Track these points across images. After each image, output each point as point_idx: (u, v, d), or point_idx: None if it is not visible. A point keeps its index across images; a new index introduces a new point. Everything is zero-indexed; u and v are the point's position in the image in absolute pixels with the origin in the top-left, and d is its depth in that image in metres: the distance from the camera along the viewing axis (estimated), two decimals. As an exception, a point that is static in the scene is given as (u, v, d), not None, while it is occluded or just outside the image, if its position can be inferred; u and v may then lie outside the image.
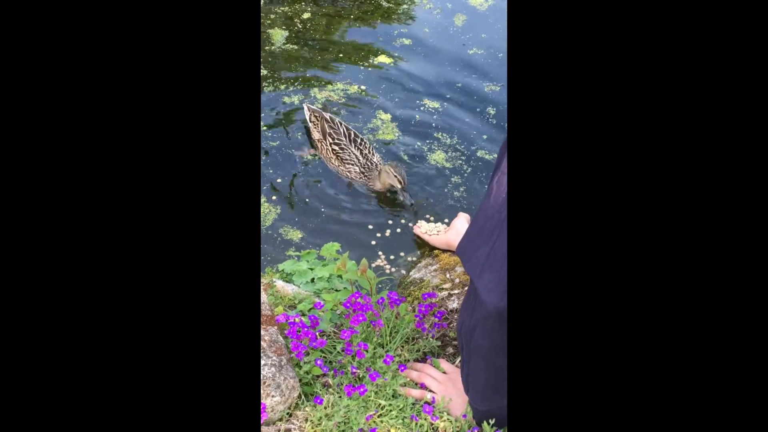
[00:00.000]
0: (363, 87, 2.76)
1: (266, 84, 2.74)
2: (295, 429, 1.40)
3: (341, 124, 2.44)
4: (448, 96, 2.75)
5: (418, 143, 2.55)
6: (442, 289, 1.88)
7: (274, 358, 1.46)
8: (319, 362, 1.48)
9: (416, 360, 1.61)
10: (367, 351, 1.51)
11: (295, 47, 2.92)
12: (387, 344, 1.59)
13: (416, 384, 1.52)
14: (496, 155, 2.47)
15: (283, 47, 2.91)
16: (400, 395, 1.47)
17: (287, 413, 1.43)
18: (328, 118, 2.44)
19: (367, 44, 2.97)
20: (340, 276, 1.89)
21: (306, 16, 3.08)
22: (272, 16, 3.06)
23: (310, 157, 2.48)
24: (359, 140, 2.40)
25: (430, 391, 1.49)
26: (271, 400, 1.39)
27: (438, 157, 2.49)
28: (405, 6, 3.22)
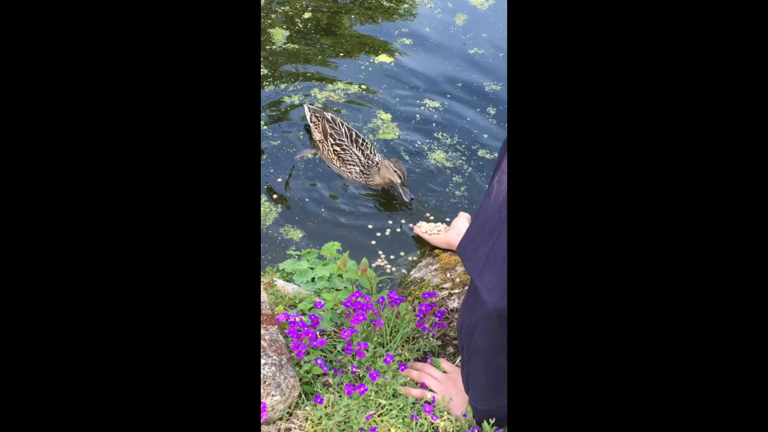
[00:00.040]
0: (363, 86, 2.76)
1: (267, 83, 2.74)
2: (295, 428, 1.41)
3: (342, 124, 2.43)
4: (448, 95, 2.75)
5: (419, 142, 2.55)
6: (443, 288, 1.88)
7: (275, 357, 1.46)
8: (319, 361, 1.48)
9: (416, 359, 1.62)
10: (367, 350, 1.51)
11: (296, 46, 2.92)
12: (387, 343, 1.59)
13: (416, 383, 1.52)
14: (496, 154, 2.47)
15: (283, 46, 2.91)
16: (400, 395, 1.47)
17: (287, 412, 1.44)
18: (329, 118, 2.44)
19: (367, 43, 2.97)
20: (340, 275, 1.89)
21: (307, 15, 3.08)
22: (273, 16, 3.06)
23: (310, 156, 2.48)
24: (361, 140, 2.40)
25: (431, 390, 1.49)
26: (272, 399, 1.39)
27: (438, 156, 2.49)
28: (406, 5, 3.22)
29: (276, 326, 1.55)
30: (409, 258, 2.15)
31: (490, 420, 1.36)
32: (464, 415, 1.41)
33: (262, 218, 2.22)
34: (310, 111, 2.52)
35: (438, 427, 1.42)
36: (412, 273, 2.06)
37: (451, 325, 1.73)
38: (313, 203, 2.31)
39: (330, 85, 2.75)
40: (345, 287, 1.88)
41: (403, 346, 1.62)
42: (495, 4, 3.20)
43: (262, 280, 1.81)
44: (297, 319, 1.54)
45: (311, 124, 2.50)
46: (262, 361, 1.43)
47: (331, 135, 2.40)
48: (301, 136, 2.56)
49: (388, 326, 1.59)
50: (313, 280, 1.91)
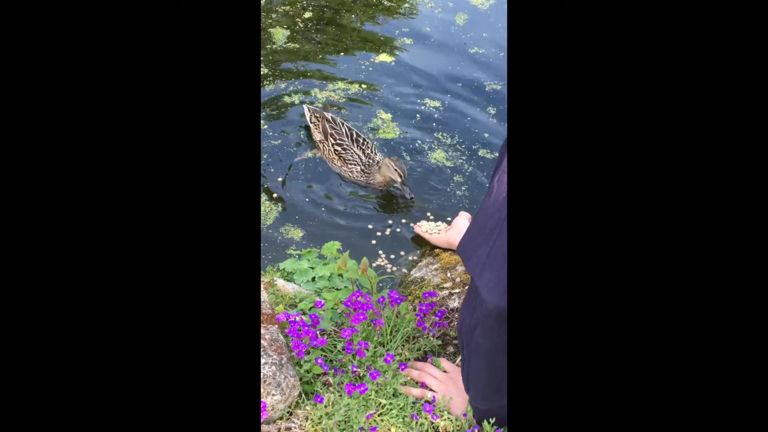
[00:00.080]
0: (364, 85, 2.76)
1: (267, 82, 2.73)
2: (295, 427, 1.41)
3: (343, 124, 2.43)
4: (449, 94, 2.75)
5: (419, 141, 2.55)
6: (443, 288, 1.88)
7: (275, 356, 1.46)
8: (319, 361, 1.48)
9: (417, 359, 1.61)
10: (367, 350, 1.51)
11: (296, 46, 2.92)
12: (387, 343, 1.59)
13: (417, 383, 1.52)
14: (497, 154, 2.47)
15: (284, 46, 2.91)
16: (400, 394, 1.47)
17: (288, 412, 1.44)
18: (329, 118, 2.44)
19: (368, 42, 2.97)
20: (340, 275, 1.89)
21: (307, 15, 3.08)
22: (273, 15, 3.06)
23: (310, 155, 2.48)
24: (361, 140, 2.40)
25: (431, 390, 1.49)
26: (272, 399, 1.39)
27: (439, 156, 2.49)
28: (407, 5, 3.22)
29: (276, 326, 1.55)
30: (410, 257, 2.15)
31: (490, 419, 1.36)
32: (464, 415, 1.41)
33: (262, 218, 2.22)
34: (309, 111, 2.52)
35: (438, 427, 1.42)
36: (412, 272, 2.06)
37: (452, 324, 1.73)
38: (313, 203, 2.31)
39: (330, 85, 2.75)
40: (345, 287, 1.88)
41: (403, 345, 1.62)
42: (495, 4, 3.20)
43: (262, 279, 1.81)
44: (297, 318, 1.55)
45: (311, 125, 2.50)
46: (263, 361, 1.43)
47: (332, 135, 2.40)
48: (301, 135, 2.56)
49: (389, 326, 1.59)
50: (313, 279, 1.91)
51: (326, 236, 2.17)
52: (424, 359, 1.62)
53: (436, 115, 2.65)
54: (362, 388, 1.43)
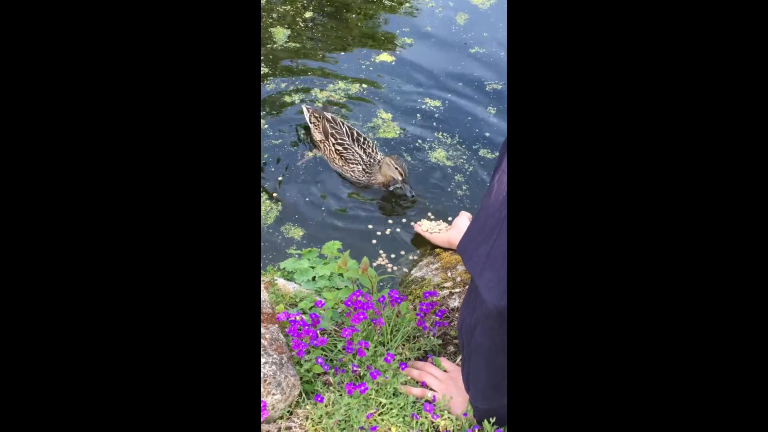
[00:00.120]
0: (365, 84, 2.76)
1: (267, 82, 2.74)
2: (295, 427, 1.41)
3: (343, 123, 2.43)
4: (450, 93, 2.75)
5: (419, 141, 2.55)
6: (444, 287, 1.88)
7: (275, 356, 1.46)
8: (319, 360, 1.48)
9: (417, 358, 1.62)
10: (368, 349, 1.51)
11: (297, 45, 2.92)
12: (388, 342, 1.59)
13: (417, 382, 1.52)
14: (497, 153, 2.47)
15: (284, 45, 2.91)
16: (400, 393, 1.47)
17: (288, 411, 1.44)
18: (329, 117, 2.44)
19: (369, 42, 2.97)
20: (341, 274, 1.89)
21: (308, 15, 3.08)
22: (274, 15, 3.06)
23: (310, 155, 2.48)
24: (362, 139, 2.40)
25: (431, 389, 1.49)
26: (272, 398, 1.40)
27: (439, 155, 2.49)
28: (407, 4, 3.22)
29: (276, 325, 1.55)
30: (410, 257, 2.15)
31: (491, 419, 1.36)
32: (465, 414, 1.41)
33: (262, 217, 2.23)
34: (308, 111, 2.52)
35: (438, 426, 1.42)
36: (412, 272, 2.06)
37: (452, 324, 1.73)
38: (313, 203, 2.31)
39: (331, 84, 2.75)
40: (346, 286, 1.88)
41: (403, 345, 1.62)
42: (496, 4, 3.20)
43: (262, 278, 1.81)
44: (297, 317, 1.55)
45: (311, 125, 2.50)
46: (263, 360, 1.43)
47: (332, 134, 2.40)
48: (301, 135, 2.56)
49: (389, 325, 1.59)
50: (313, 279, 1.91)
51: (326, 236, 2.17)
52: (424, 359, 1.62)
53: (436, 115, 2.65)
54: (362, 388, 1.43)
